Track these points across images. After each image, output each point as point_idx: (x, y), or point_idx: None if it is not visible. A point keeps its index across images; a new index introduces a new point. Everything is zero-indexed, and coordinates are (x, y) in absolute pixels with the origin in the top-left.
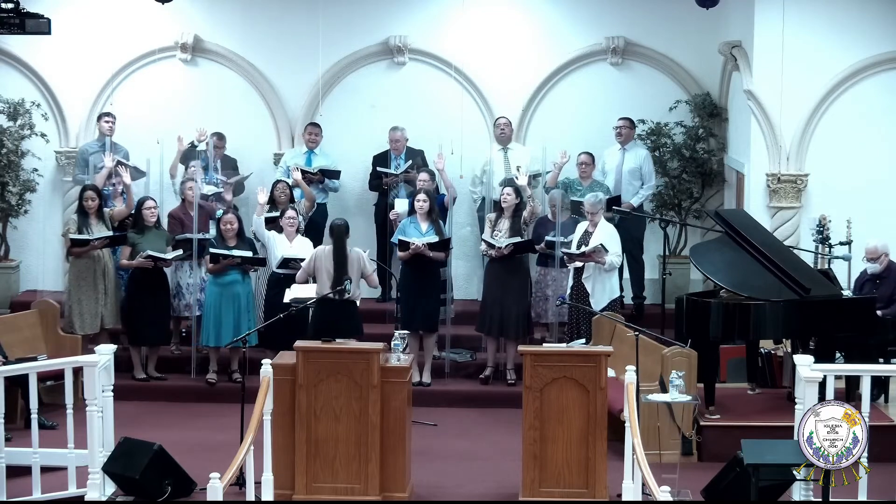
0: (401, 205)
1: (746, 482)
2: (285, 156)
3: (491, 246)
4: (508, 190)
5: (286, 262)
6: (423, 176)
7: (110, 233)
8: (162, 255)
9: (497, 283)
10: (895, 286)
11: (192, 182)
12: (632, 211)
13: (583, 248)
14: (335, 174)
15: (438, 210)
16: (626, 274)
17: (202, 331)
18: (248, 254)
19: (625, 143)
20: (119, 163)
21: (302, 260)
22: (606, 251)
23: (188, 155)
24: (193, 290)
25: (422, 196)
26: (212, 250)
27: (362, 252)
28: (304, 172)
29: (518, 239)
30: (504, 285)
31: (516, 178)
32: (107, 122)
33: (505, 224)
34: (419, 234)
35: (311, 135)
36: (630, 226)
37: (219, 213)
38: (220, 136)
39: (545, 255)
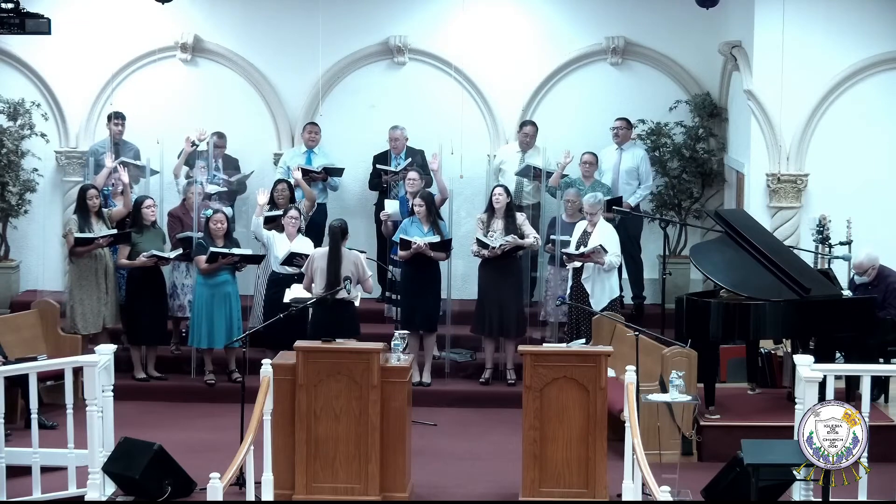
0: (391, 206)
1: (746, 482)
2: (284, 155)
3: (483, 245)
4: (499, 190)
5: (291, 258)
6: (413, 175)
7: (114, 231)
8: (166, 255)
9: (491, 283)
10: (886, 291)
11: (195, 185)
12: (631, 211)
13: (581, 249)
14: (339, 172)
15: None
16: (625, 274)
17: (193, 332)
18: (248, 251)
19: (621, 144)
20: (123, 162)
21: (307, 256)
22: (605, 251)
23: (191, 155)
24: (188, 291)
25: (417, 201)
26: (212, 249)
27: (361, 255)
28: (307, 172)
29: (512, 237)
30: (498, 285)
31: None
32: (116, 124)
33: (499, 224)
34: (421, 234)
35: (311, 133)
36: (628, 225)
37: (208, 212)
38: (220, 136)
39: (554, 255)
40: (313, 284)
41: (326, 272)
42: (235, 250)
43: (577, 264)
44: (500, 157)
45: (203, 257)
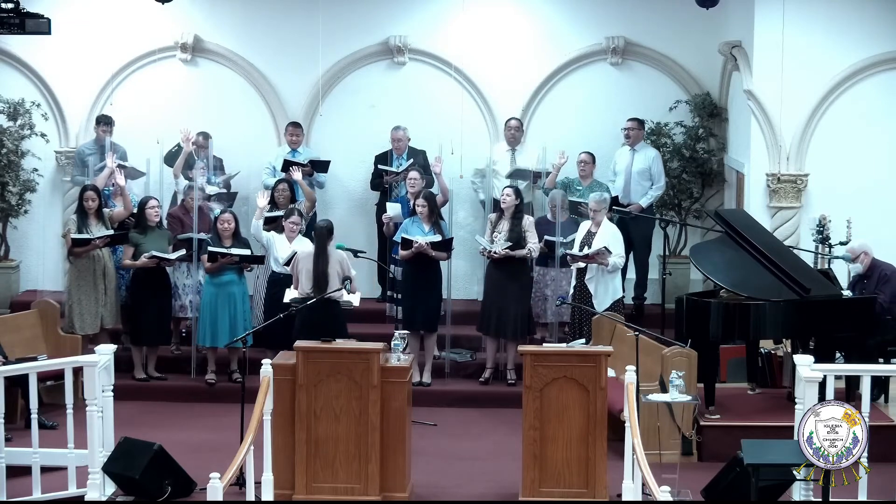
0: (393, 208)
1: (746, 482)
2: (271, 157)
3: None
4: (508, 191)
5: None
6: (414, 175)
7: (111, 231)
8: (166, 256)
9: (498, 284)
10: (877, 283)
11: (193, 188)
12: (634, 212)
13: (586, 250)
14: (324, 165)
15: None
16: (630, 274)
17: (198, 331)
18: (247, 252)
19: (633, 144)
20: (119, 165)
21: None
22: (610, 253)
23: (189, 157)
24: (190, 291)
25: (420, 201)
26: (210, 248)
27: (345, 256)
28: (294, 164)
29: (505, 250)
30: (505, 286)
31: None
32: (104, 131)
33: (504, 226)
34: (422, 234)
35: (293, 136)
36: (639, 227)
37: (216, 212)
38: (205, 136)
39: (545, 255)
40: (300, 285)
41: (313, 272)
42: (234, 250)
43: (581, 265)
44: (492, 156)
45: (206, 256)
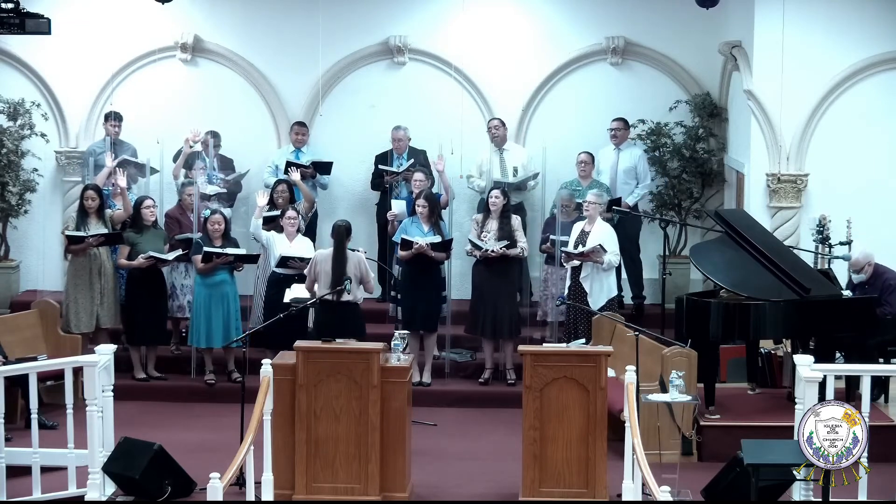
0: (398, 206)
1: (746, 482)
2: (273, 155)
3: (476, 247)
4: (496, 193)
5: (284, 261)
6: (419, 176)
7: (105, 231)
8: (163, 256)
9: (486, 283)
10: (882, 289)
11: (192, 187)
12: (631, 210)
13: (580, 248)
14: (327, 167)
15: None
16: (624, 274)
17: (192, 332)
18: (243, 251)
19: (619, 144)
20: (124, 161)
21: (300, 259)
22: (605, 251)
23: (189, 156)
24: (188, 291)
25: (421, 202)
26: (206, 249)
27: (363, 255)
28: (296, 166)
29: (501, 248)
30: (493, 285)
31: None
32: (112, 125)
33: (493, 225)
34: (421, 234)
35: (298, 135)
36: (626, 225)
37: (206, 213)
38: (214, 135)
39: (551, 254)
40: (316, 285)
41: (332, 273)
42: (229, 250)
43: (576, 263)
44: (482, 157)
45: (199, 257)
